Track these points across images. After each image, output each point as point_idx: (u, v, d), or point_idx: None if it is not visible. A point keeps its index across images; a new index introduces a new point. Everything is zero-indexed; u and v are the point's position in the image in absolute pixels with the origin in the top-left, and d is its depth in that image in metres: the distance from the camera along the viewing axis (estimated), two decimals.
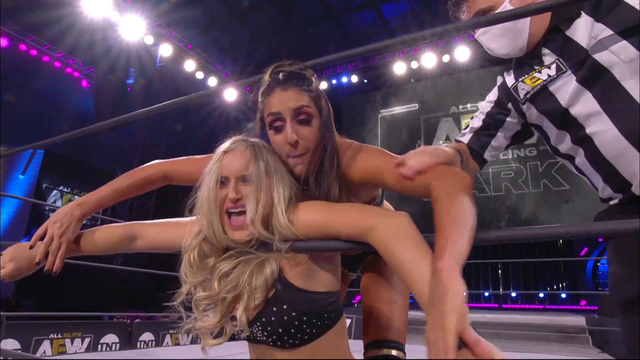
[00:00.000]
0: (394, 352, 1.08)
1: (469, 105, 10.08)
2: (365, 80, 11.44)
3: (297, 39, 10.68)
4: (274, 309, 0.82)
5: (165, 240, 0.99)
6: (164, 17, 9.00)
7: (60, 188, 9.78)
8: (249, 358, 0.93)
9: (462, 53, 9.65)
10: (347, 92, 11.68)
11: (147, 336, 5.87)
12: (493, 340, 5.44)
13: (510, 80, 1.20)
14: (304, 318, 0.82)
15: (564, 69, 1.04)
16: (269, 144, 0.94)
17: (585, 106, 1.00)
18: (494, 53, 1.16)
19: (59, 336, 4.89)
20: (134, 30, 8.49)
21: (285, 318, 0.81)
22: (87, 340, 5.09)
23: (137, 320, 6.26)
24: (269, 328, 0.82)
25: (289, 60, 0.99)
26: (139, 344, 5.68)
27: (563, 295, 10.56)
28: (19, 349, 4.29)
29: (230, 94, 10.50)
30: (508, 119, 1.21)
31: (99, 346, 5.16)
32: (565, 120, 1.05)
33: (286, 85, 0.92)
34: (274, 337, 0.82)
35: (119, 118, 1.49)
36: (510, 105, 1.20)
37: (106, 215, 9.86)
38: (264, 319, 0.82)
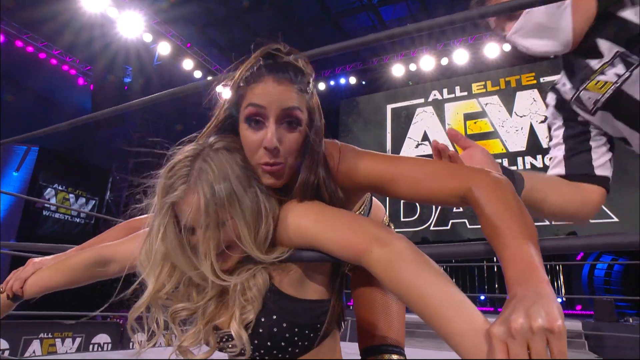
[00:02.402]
0: (394, 357, 1.01)
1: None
2: (364, 82, 11.43)
3: (295, 40, 10.66)
4: (262, 319, 0.74)
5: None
6: (163, 14, 8.96)
7: (55, 186, 9.68)
8: None
9: (461, 56, 9.65)
10: (345, 93, 11.67)
11: (139, 336, 5.82)
12: None
13: (567, 91, 1.03)
14: (296, 329, 0.75)
15: (635, 63, 0.87)
16: (221, 147, 0.78)
17: None
18: (532, 52, 1.00)
19: (49, 336, 4.82)
20: (132, 27, 8.45)
21: (275, 330, 0.74)
22: (78, 340, 5.02)
23: None
24: (256, 341, 0.75)
25: (287, 46, 0.83)
26: (131, 344, 5.62)
27: (559, 300, 10.55)
28: (7, 349, 4.22)
29: (228, 94, 10.45)
30: (590, 129, 1.03)
31: (91, 346, 5.10)
32: None
33: (280, 76, 0.77)
34: (262, 351, 0.75)
35: (113, 109, 1.45)
36: (579, 118, 1.03)
37: (100, 213, 9.79)
38: (250, 332, 0.74)
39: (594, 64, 0.94)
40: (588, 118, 1.01)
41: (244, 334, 0.72)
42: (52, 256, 1.14)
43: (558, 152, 1.07)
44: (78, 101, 10.47)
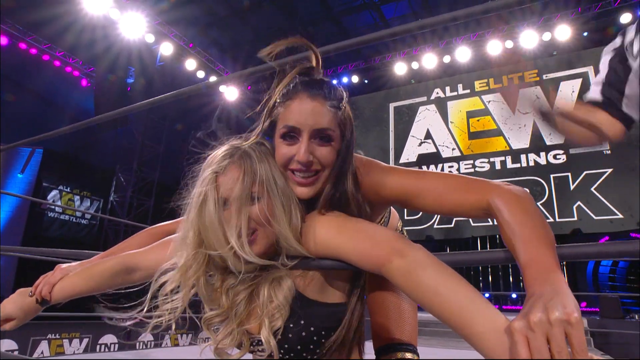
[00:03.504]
0: (408, 356, 1.03)
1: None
2: (366, 81, 11.42)
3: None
4: (291, 325, 0.78)
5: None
6: (165, 15, 8.98)
7: (59, 187, 9.73)
8: None
9: (463, 53, 9.63)
10: (347, 92, 11.68)
11: (146, 337, 5.84)
12: None
13: (629, 37, 1.11)
14: (322, 332, 0.78)
15: None
16: (264, 147, 0.84)
17: None
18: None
19: (57, 336, 4.85)
20: (134, 28, 8.47)
21: (304, 334, 0.77)
22: (85, 340, 5.05)
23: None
24: (286, 346, 0.78)
25: (317, 63, 0.89)
26: (138, 344, 5.65)
27: None
28: (16, 350, 4.25)
29: (231, 93, 10.48)
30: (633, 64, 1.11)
31: (98, 347, 5.12)
32: None
33: (314, 92, 0.82)
34: (292, 354, 0.79)
35: (117, 111, 1.46)
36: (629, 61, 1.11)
37: (105, 214, 9.83)
38: (280, 337, 0.78)
39: None
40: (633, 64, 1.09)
41: (273, 341, 0.76)
42: (77, 262, 1.18)
43: (599, 76, 1.18)
44: (81, 102, 10.51)
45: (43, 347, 4.73)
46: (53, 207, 9.41)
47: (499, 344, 0.55)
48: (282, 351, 0.79)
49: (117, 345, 5.25)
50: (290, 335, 0.78)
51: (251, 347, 0.82)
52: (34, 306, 1.08)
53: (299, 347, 0.78)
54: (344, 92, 0.90)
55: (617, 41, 1.20)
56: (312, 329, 0.78)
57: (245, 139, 0.87)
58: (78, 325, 5.11)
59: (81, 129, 1.64)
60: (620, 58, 1.14)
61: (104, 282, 1.03)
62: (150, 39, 8.94)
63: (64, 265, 1.13)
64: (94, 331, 5.22)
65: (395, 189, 0.86)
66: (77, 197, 10.09)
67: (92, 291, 1.05)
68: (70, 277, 1.07)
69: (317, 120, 0.81)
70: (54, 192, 9.55)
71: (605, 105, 1.14)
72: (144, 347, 5.65)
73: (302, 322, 0.78)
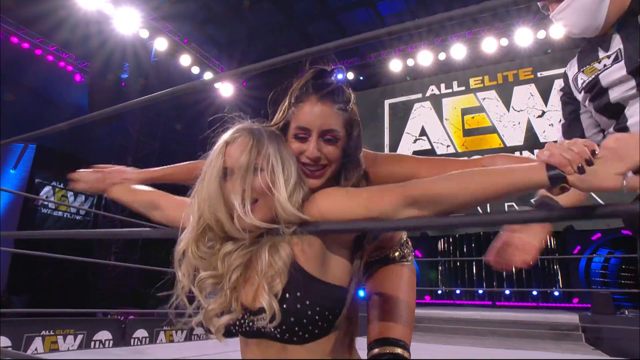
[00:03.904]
0: (398, 350, 1.06)
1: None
2: (361, 77, 11.43)
3: (294, 36, 10.63)
4: (287, 295, 0.77)
5: (176, 219, 0.98)
6: (159, 10, 8.92)
7: (53, 183, 9.67)
8: (242, 357, 0.88)
9: (459, 50, 9.65)
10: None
11: (140, 333, 5.83)
12: (487, 337, 5.46)
13: (572, 71, 1.15)
14: (317, 309, 0.77)
15: (620, 58, 0.98)
16: (276, 133, 0.91)
17: (622, 92, 0.98)
18: (569, 32, 1.10)
19: (51, 333, 4.83)
20: (128, 23, 8.41)
21: (299, 306, 0.76)
22: (79, 337, 5.04)
23: (131, 317, 6.22)
24: (290, 320, 0.77)
25: (331, 67, 1.00)
26: (132, 340, 5.64)
27: (556, 293, 10.64)
28: (9, 347, 4.24)
29: (227, 89, 10.44)
30: (580, 111, 1.17)
31: (92, 343, 5.12)
32: (607, 110, 1.02)
33: (323, 97, 0.93)
34: (284, 327, 0.76)
35: (111, 109, 1.46)
36: (574, 96, 1.17)
37: (99, 210, 9.78)
38: (281, 313, 0.77)
39: (601, 53, 1.04)
40: (579, 98, 1.14)
41: (275, 302, 0.75)
42: (134, 171, 1.36)
43: (562, 121, 1.23)
44: (75, 98, 10.43)
45: (37, 344, 4.71)
46: (46, 203, 9.36)
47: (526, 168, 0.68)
48: (283, 327, 0.76)
49: (111, 342, 5.25)
50: (285, 306, 0.76)
51: (249, 317, 0.80)
52: (95, 190, 1.32)
53: (292, 319, 0.76)
54: (352, 95, 1.00)
55: (561, 82, 1.25)
56: (307, 302, 0.77)
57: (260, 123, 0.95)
58: (72, 322, 5.09)
59: (75, 125, 1.64)
60: (568, 97, 1.20)
61: (138, 204, 1.17)
62: (144, 34, 8.88)
63: (122, 168, 1.33)
64: (89, 327, 5.21)
65: (408, 175, 0.96)
66: (70, 194, 10.04)
67: (128, 205, 1.21)
68: (123, 186, 1.26)
69: (325, 122, 0.92)
70: (47, 188, 9.50)
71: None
72: (139, 343, 5.65)
73: (299, 294, 0.77)
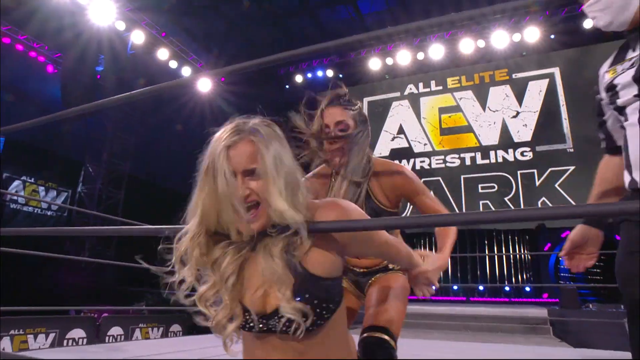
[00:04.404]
0: (385, 337, 1.23)
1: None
2: (341, 75, 11.47)
3: (272, 31, 10.57)
4: (297, 299, 0.82)
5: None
6: (136, 2, 8.72)
7: (22, 178, 9.37)
8: (244, 349, 0.93)
9: (437, 51, 9.81)
10: (322, 86, 11.67)
11: (115, 330, 5.73)
12: (461, 332, 5.59)
13: (603, 69, 1.18)
14: (323, 305, 0.83)
15: (636, 64, 1.02)
16: (273, 129, 0.92)
17: (625, 97, 1.03)
18: (596, 24, 1.12)
19: (20, 332, 4.70)
20: (104, 14, 8.20)
21: (308, 307, 0.82)
22: (51, 335, 4.92)
23: (105, 314, 6.10)
24: (290, 318, 0.82)
25: (342, 86, 1.51)
26: (107, 338, 5.55)
27: (527, 289, 10.98)
28: None
29: (205, 85, 10.31)
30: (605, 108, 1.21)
31: (65, 341, 5.00)
32: (618, 111, 1.08)
33: (335, 104, 1.46)
34: (294, 326, 0.82)
35: (86, 106, 1.44)
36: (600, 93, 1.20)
37: (73, 205, 9.53)
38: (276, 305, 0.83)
39: (628, 54, 1.07)
40: (602, 95, 1.17)
41: (299, 304, 0.81)
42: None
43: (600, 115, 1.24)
44: (47, 89, 10.09)
45: (5, 344, 4.57)
46: (16, 198, 9.06)
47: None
48: (287, 323, 0.82)
49: (85, 340, 5.14)
50: (307, 300, 0.82)
51: (260, 320, 0.85)
52: None
53: (303, 318, 0.82)
54: (358, 102, 1.52)
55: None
56: (315, 302, 0.82)
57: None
58: (43, 320, 4.96)
59: (50, 121, 1.61)
60: (597, 92, 1.23)
61: None
62: (120, 26, 8.68)
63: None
64: (61, 326, 5.08)
65: (401, 185, 1.48)
66: (41, 188, 9.75)
67: None
68: None
69: (337, 118, 1.42)
70: (16, 183, 9.20)
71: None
72: (114, 341, 5.56)
73: (307, 295, 0.82)
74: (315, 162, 1.49)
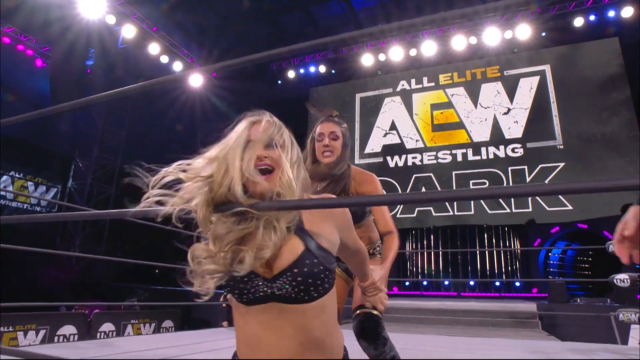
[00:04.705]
0: (375, 312, 1.62)
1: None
2: (334, 71, 11.46)
3: (265, 26, 10.52)
4: (307, 261, 0.90)
5: None
6: None
7: (11, 173, 9.25)
8: (237, 326, 0.96)
9: (429, 47, 9.84)
10: (314, 82, 11.67)
11: (107, 327, 5.71)
12: (452, 326, 5.65)
13: None
14: (327, 273, 0.92)
15: None
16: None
17: None
18: None
19: (10, 329, 4.67)
20: (93, 8, 8.09)
21: (315, 270, 0.90)
22: (42, 332, 4.89)
23: (97, 310, 6.07)
24: (299, 278, 0.89)
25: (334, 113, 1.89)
26: (98, 334, 5.52)
27: (517, 284, 11.12)
28: None
29: (196, 80, 10.24)
30: None
31: (56, 338, 4.97)
32: None
33: (330, 120, 1.84)
34: (302, 287, 0.89)
35: (76, 102, 1.42)
36: None
37: (64, 199, 9.44)
38: (296, 270, 0.89)
39: None
40: None
41: (305, 269, 0.89)
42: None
43: None
44: (36, 83, 9.96)
45: None
46: (4, 193, 8.94)
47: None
48: (293, 284, 0.89)
49: (76, 336, 5.12)
50: (305, 270, 0.90)
51: (264, 283, 0.90)
52: None
53: (310, 280, 0.89)
54: (344, 122, 1.89)
55: None
56: (321, 267, 0.91)
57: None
58: (34, 317, 4.93)
59: (39, 116, 1.59)
60: None
61: None
62: (111, 20, 8.58)
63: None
64: (52, 322, 5.05)
65: (368, 186, 1.82)
66: (31, 184, 9.64)
67: None
68: None
69: (330, 129, 1.80)
70: (4, 178, 9.08)
71: None
72: (105, 337, 5.54)
73: (315, 260, 0.91)
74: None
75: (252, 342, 0.91)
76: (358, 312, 1.63)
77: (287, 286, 0.88)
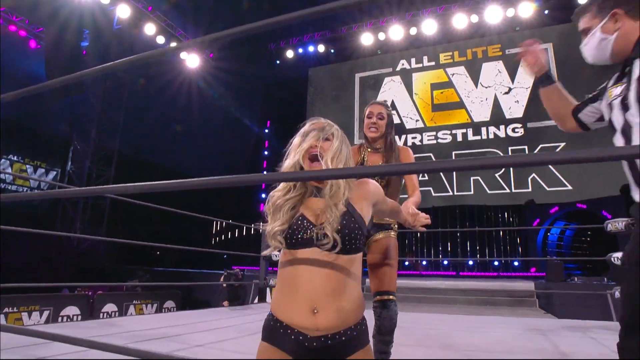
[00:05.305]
0: (392, 297, 1.91)
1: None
2: (332, 51, 11.30)
3: (262, 6, 10.33)
4: (346, 218, 1.14)
5: None
6: None
7: (9, 156, 9.22)
8: (283, 267, 1.17)
9: (429, 26, 9.68)
10: (313, 62, 11.51)
11: (109, 307, 5.79)
12: (451, 305, 5.70)
13: (611, 81, 1.38)
14: (361, 232, 1.15)
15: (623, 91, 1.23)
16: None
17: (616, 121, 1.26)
18: (586, 60, 1.48)
19: (15, 310, 4.73)
20: None
21: (352, 226, 1.13)
22: (46, 313, 4.96)
23: (100, 291, 6.14)
24: (342, 231, 1.12)
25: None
26: (101, 315, 5.60)
27: (516, 263, 11.22)
28: None
29: (193, 61, 10.11)
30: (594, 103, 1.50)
31: (60, 318, 5.04)
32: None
33: (376, 103, 2.22)
34: (340, 239, 1.10)
35: (68, 77, 1.40)
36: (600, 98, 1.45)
37: (64, 182, 9.44)
38: (340, 226, 1.12)
39: (625, 75, 1.28)
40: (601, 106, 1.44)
41: (337, 236, 1.10)
42: None
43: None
44: (30, 65, 9.82)
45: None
46: (3, 177, 8.94)
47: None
48: (334, 235, 1.10)
49: (80, 317, 5.19)
50: (346, 224, 1.13)
51: (313, 229, 1.13)
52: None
53: (349, 233, 1.12)
54: (388, 104, 2.55)
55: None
56: (357, 225, 1.15)
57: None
58: (37, 298, 4.99)
59: (31, 95, 1.57)
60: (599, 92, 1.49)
61: None
62: (105, 0, 8.41)
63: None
64: (55, 303, 5.12)
65: (406, 157, 2.21)
66: (29, 167, 9.62)
67: None
68: None
69: (378, 110, 2.17)
70: (3, 161, 9.06)
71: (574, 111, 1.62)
72: (108, 317, 5.62)
73: (353, 219, 1.15)
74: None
75: (290, 282, 1.11)
76: (379, 297, 1.91)
77: (328, 237, 1.09)
